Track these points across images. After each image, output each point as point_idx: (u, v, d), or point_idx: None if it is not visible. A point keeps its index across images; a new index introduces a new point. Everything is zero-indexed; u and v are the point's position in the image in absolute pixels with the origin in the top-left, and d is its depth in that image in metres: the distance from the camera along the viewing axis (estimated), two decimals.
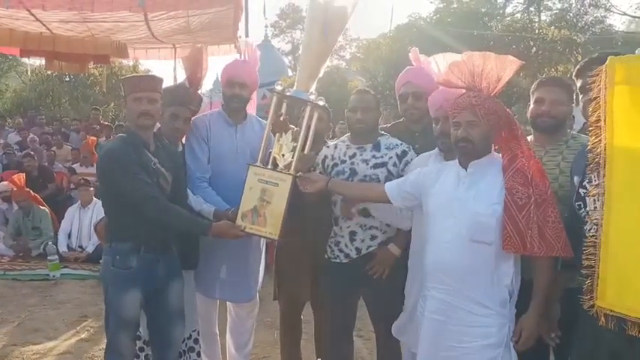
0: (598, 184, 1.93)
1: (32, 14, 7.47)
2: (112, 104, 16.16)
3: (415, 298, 2.74)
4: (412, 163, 2.90)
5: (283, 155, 2.90)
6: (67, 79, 16.91)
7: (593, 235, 1.94)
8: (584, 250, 1.97)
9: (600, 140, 1.92)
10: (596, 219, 1.94)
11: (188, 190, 3.07)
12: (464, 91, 2.37)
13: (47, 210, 7.11)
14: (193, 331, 3.21)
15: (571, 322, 2.25)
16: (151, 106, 2.74)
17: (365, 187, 2.84)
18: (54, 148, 9.66)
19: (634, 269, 1.82)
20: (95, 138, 9.53)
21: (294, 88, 3.07)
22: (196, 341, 3.24)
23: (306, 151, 2.94)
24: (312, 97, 2.94)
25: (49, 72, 15.60)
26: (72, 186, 8.50)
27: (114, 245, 2.77)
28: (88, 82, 16.17)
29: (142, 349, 3.05)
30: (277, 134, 2.96)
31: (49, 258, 6.11)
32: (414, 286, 2.79)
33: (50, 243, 6.56)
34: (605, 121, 1.90)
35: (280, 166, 2.89)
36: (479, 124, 2.28)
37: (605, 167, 1.90)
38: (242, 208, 2.84)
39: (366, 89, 3.23)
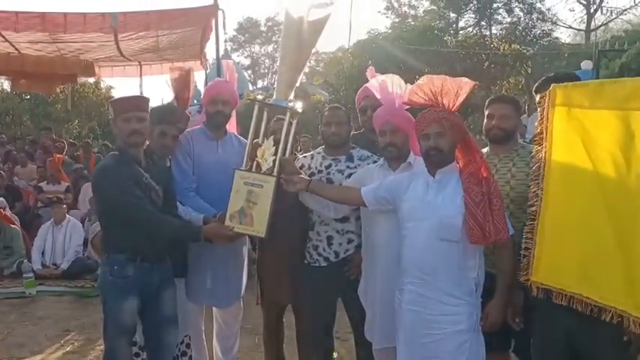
0: (538, 184, 2.29)
1: (1, 35, 7.53)
2: (76, 121, 15.84)
3: (372, 297, 2.98)
4: (356, 174, 3.11)
5: (266, 160, 3.03)
6: (28, 96, 16.46)
7: (531, 224, 2.31)
8: (524, 235, 2.34)
9: (542, 149, 2.29)
10: (534, 211, 2.28)
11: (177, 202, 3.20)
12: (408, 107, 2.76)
13: (19, 229, 7.04)
14: (185, 337, 3.33)
15: (531, 308, 2.56)
16: (140, 125, 2.83)
17: (342, 190, 3.04)
18: (18, 167, 9.48)
19: (561, 252, 2.22)
20: (61, 156, 9.48)
21: (274, 97, 3.21)
22: (188, 346, 3.37)
23: (286, 155, 3.08)
24: (291, 104, 3.06)
25: (8, 90, 15.27)
26: (39, 204, 8.45)
27: (111, 256, 2.88)
28: (49, 99, 15.74)
29: (137, 355, 3.15)
30: (259, 140, 3.08)
31: (24, 276, 6.07)
32: (369, 284, 3.01)
33: (25, 261, 6.53)
34: (546, 133, 2.27)
35: (264, 169, 3.00)
36: (445, 135, 2.53)
37: (544, 170, 2.27)
38: (229, 210, 2.95)
39: (338, 106, 3.49)
